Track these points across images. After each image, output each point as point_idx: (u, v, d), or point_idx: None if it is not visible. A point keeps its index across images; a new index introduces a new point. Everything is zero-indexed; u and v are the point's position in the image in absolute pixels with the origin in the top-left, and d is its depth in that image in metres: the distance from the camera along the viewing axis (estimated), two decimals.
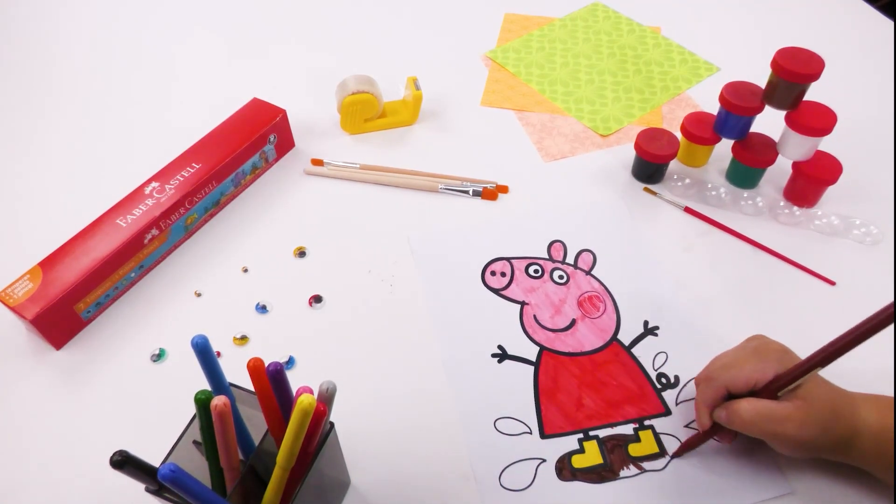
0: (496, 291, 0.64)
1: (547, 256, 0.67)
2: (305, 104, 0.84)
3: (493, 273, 0.66)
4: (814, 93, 0.66)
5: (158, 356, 0.60)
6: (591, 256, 0.67)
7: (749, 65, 0.76)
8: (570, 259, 0.67)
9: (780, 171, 0.71)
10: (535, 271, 0.66)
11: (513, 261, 0.67)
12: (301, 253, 0.69)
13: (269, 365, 0.39)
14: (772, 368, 0.47)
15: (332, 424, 0.44)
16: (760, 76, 0.68)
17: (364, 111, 0.80)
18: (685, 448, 0.52)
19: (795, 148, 0.68)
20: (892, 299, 0.61)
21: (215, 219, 0.73)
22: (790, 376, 0.46)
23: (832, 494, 0.50)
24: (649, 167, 0.73)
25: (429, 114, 0.84)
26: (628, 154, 0.76)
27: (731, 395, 0.49)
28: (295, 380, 0.41)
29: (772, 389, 0.47)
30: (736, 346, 0.52)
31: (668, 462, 0.52)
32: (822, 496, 0.50)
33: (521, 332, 0.61)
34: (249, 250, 0.69)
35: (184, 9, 1.05)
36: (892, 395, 0.49)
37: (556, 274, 0.66)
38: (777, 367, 0.47)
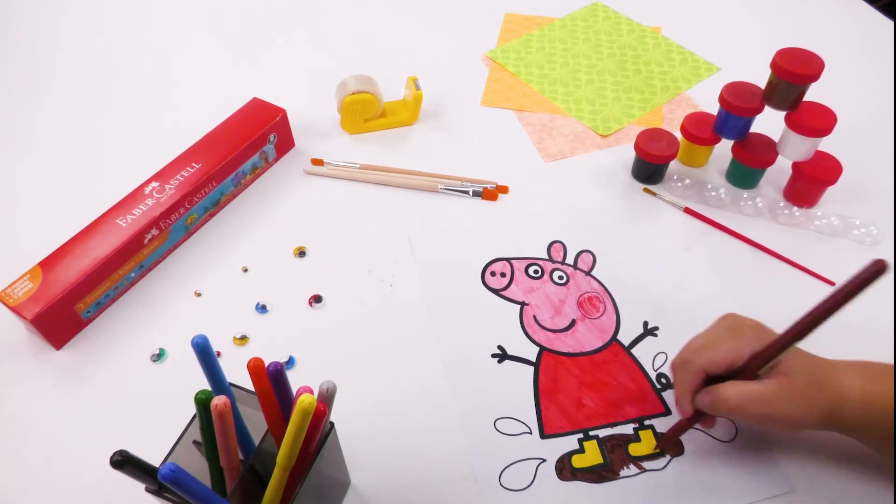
0: (496, 292, 0.64)
1: (547, 257, 0.67)
2: (305, 104, 0.84)
3: (492, 273, 0.66)
4: (814, 93, 0.66)
5: (158, 356, 0.60)
6: (591, 257, 0.67)
7: (749, 65, 0.76)
8: (569, 259, 0.67)
9: (780, 171, 0.71)
10: (535, 272, 0.66)
11: (512, 261, 0.67)
12: (301, 253, 0.69)
13: (269, 365, 0.39)
14: (748, 346, 0.47)
15: (332, 424, 0.44)
16: (760, 76, 0.68)
17: (364, 111, 0.80)
18: (670, 438, 0.52)
19: (795, 148, 0.68)
20: (891, 298, 0.61)
21: (215, 219, 0.73)
22: (769, 353, 0.46)
23: (832, 492, 0.50)
24: (649, 167, 0.73)
25: (429, 114, 0.84)
26: (628, 154, 0.76)
27: (709, 377, 0.48)
28: (295, 380, 0.41)
29: (751, 368, 0.46)
30: (709, 326, 0.50)
31: (668, 461, 0.52)
32: (822, 494, 0.50)
33: (521, 333, 0.61)
34: (249, 250, 0.69)
35: (184, 9, 1.05)
36: (874, 361, 0.48)
37: (556, 274, 0.66)
38: (753, 345, 0.47)
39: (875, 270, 0.39)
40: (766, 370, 0.46)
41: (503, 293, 0.64)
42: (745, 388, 0.46)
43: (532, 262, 0.67)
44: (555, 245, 0.68)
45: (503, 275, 0.66)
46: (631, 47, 0.93)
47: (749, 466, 0.51)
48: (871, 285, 0.39)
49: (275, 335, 0.62)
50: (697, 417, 0.49)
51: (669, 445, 0.52)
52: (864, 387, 0.46)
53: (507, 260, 0.67)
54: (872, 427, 0.46)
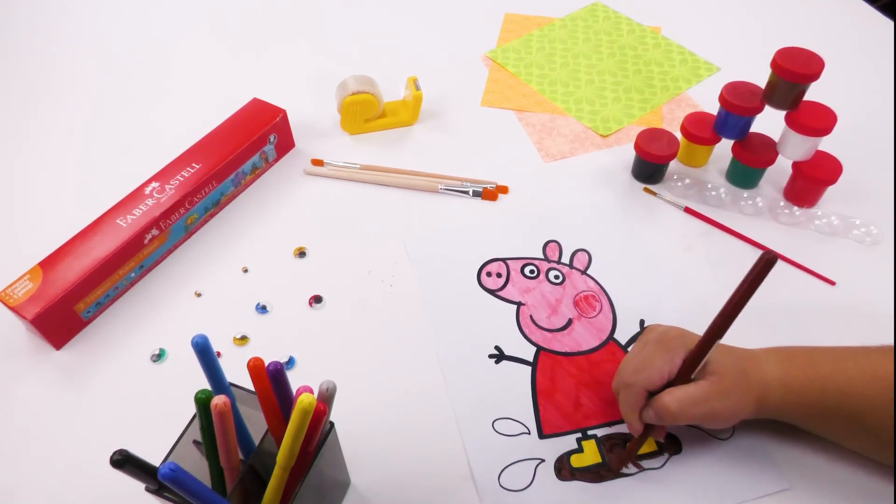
0: (492, 292, 0.64)
1: (542, 256, 0.67)
2: (305, 104, 0.84)
3: (488, 274, 0.66)
4: (814, 93, 0.66)
5: (158, 356, 0.60)
6: (587, 256, 0.67)
7: (749, 65, 0.76)
8: (565, 259, 0.67)
9: (780, 171, 0.71)
10: (531, 272, 0.66)
11: (508, 261, 0.67)
12: (301, 253, 0.69)
13: (269, 364, 0.39)
14: (679, 356, 0.49)
15: (332, 424, 0.44)
16: (760, 76, 0.68)
17: (364, 111, 0.80)
18: (627, 458, 0.52)
19: (795, 148, 0.68)
20: (891, 300, 0.61)
21: (215, 219, 0.73)
22: (696, 356, 0.48)
23: (829, 490, 0.50)
24: (649, 167, 0.73)
25: (429, 114, 0.84)
26: (628, 154, 0.76)
27: (651, 392, 0.50)
28: (295, 380, 0.41)
29: (685, 374, 0.48)
30: (636, 343, 0.53)
31: (666, 460, 0.52)
32: (818, 491, 0.50)
33: (517, 333, 0.61)
34: (249, 250, 0.69)
35: (184, 9, 1.05)
36: (788, 346, 0.51)
37: (552, 274, 0.66)
38: (683, 353, 0.49)
39: (766, 262, 0.43)
40: (697, 372, 0.48)
41: (499, 293, 0.64)
42: (682, 394, 0.48)
43: (528, 261, 0.67)
44: (550, 245, 0.68)
45: (499, 275, 0.66)
46: (631, 47, 0.93)
47: (746, 464, 0.51)
48: (766, 276, 0.43)
49: (275, 335, 0.62)
50: (648, 431, 0.50)
51: (631, 462, 0.52)
52: (781, 370, 0.49)
53: (503, 260, 0.67)
54: (793, 406, 0.49)
